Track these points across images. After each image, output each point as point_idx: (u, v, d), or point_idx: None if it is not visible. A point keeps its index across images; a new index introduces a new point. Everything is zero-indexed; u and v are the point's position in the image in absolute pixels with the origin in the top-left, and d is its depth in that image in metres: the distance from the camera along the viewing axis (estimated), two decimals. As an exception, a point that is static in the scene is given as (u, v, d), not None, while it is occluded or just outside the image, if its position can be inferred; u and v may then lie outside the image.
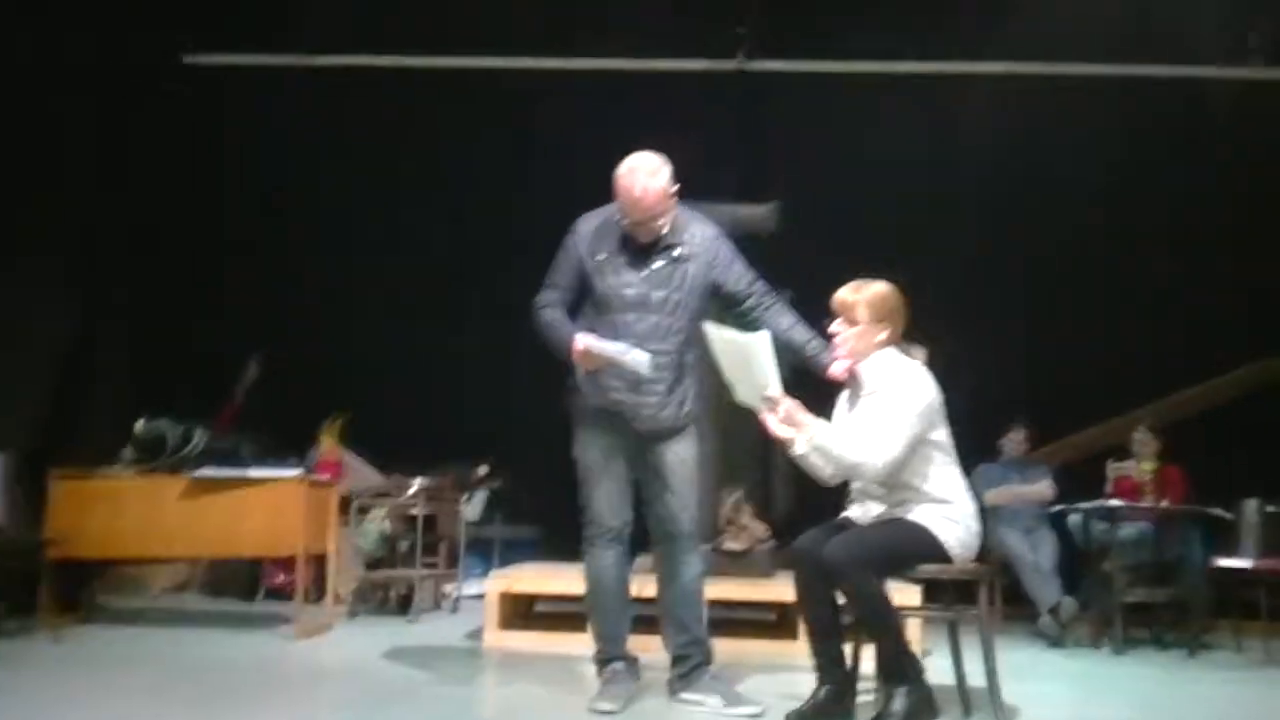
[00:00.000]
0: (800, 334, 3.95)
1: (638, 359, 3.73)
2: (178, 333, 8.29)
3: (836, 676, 3.63)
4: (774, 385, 3.60)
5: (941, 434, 3.71)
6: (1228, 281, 8.18)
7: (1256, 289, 8.10)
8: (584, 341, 3.76)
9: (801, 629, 5.18)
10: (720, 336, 3.66)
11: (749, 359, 3.60)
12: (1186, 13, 7.94)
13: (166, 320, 8.28)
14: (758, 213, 6.20)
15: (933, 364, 3.84)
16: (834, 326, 3.79)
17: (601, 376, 3.86)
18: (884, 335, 3.74)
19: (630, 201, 3.79)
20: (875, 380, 3.71)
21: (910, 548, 3.60)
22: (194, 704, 3.73)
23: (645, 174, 3.78)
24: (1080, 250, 8.33)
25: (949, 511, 3.64)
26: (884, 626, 3.51)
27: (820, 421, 3.65)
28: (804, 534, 3.71)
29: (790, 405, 3.60)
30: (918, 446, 3.62)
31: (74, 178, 7.19)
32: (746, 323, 4.00)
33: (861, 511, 3.75)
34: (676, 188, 3.86)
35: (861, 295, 3.76)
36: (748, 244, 6.11)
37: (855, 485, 3.79)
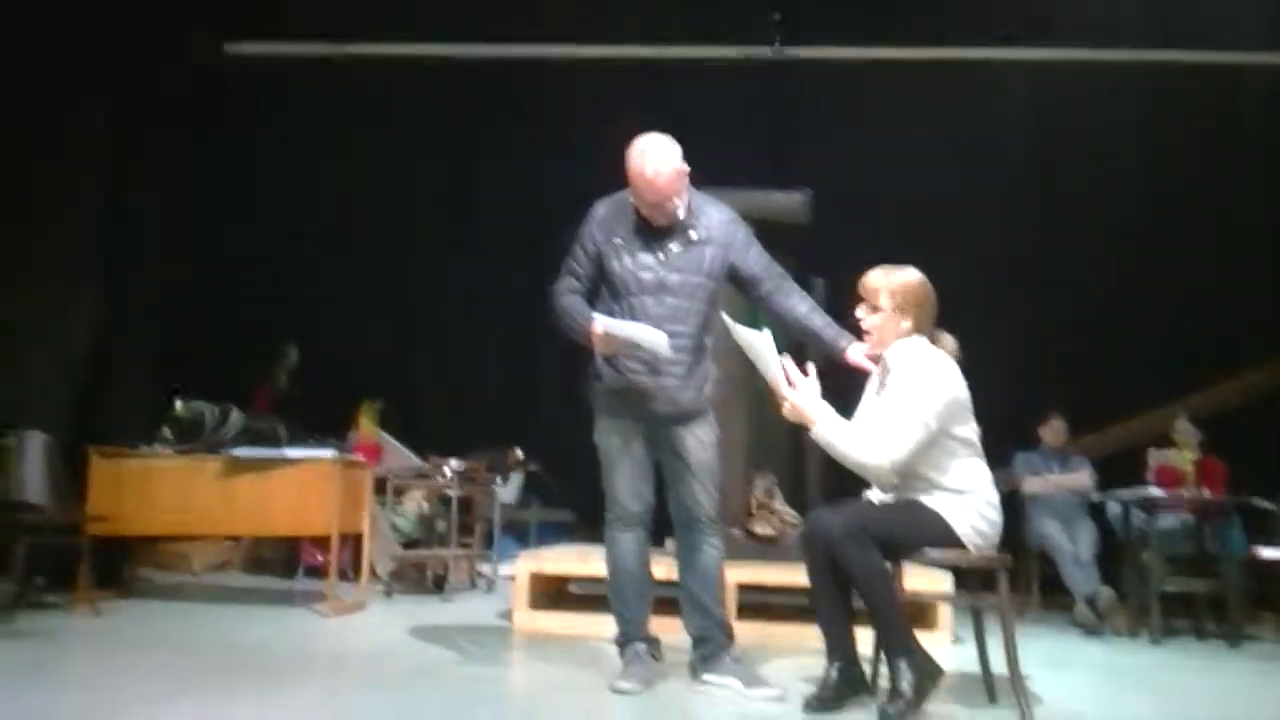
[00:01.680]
0: (817, 320, 3.94)
1: (656, 339, 3.72)
2: (207, 323, 8.40)
3: (845, 655, 3.62)
4: (780, 379, 3.59)
5: (965, 429, 3.65)
6: (1268, 270, 8.03)
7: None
8: (602, 324, 3.76)
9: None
10: (735, 330, 3.66)
11: (759, 353, 3.61)
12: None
13: (196, 311, 8.39)
14: (790, 201, 6.14)
15: (962, 353, 3.78)
16: (859, 312, 3.75)
17: (620, 360, 3.86)
18: (908, 324, 3.70)
19: (643, 183, 3.77)
20: (898, 373, 3.67)
21: (917, 530, 3.57)
22: (218, 681, 3.79)
23: (656, 154, 3.77)
24: (1121, 238, 8.22)
25: (966, 500, 3.61)
26: (879, 599, 3.50)
27: (830, 416, 3.61)
28: (816, 511, 3.70)
29: (796, 400, 3.58)
30: (939, 439, 3.58)
31: (99, 169, 7.30)
32: (763, 307, 3.99)
33: (880, 494, 3.73)
34: (688, 169, 3.84)
35: (885, 283, 3.71)
36: (779, 233, 6.11)
37: None
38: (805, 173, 6.85)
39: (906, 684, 3.42)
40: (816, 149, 8.13)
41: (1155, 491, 6.38)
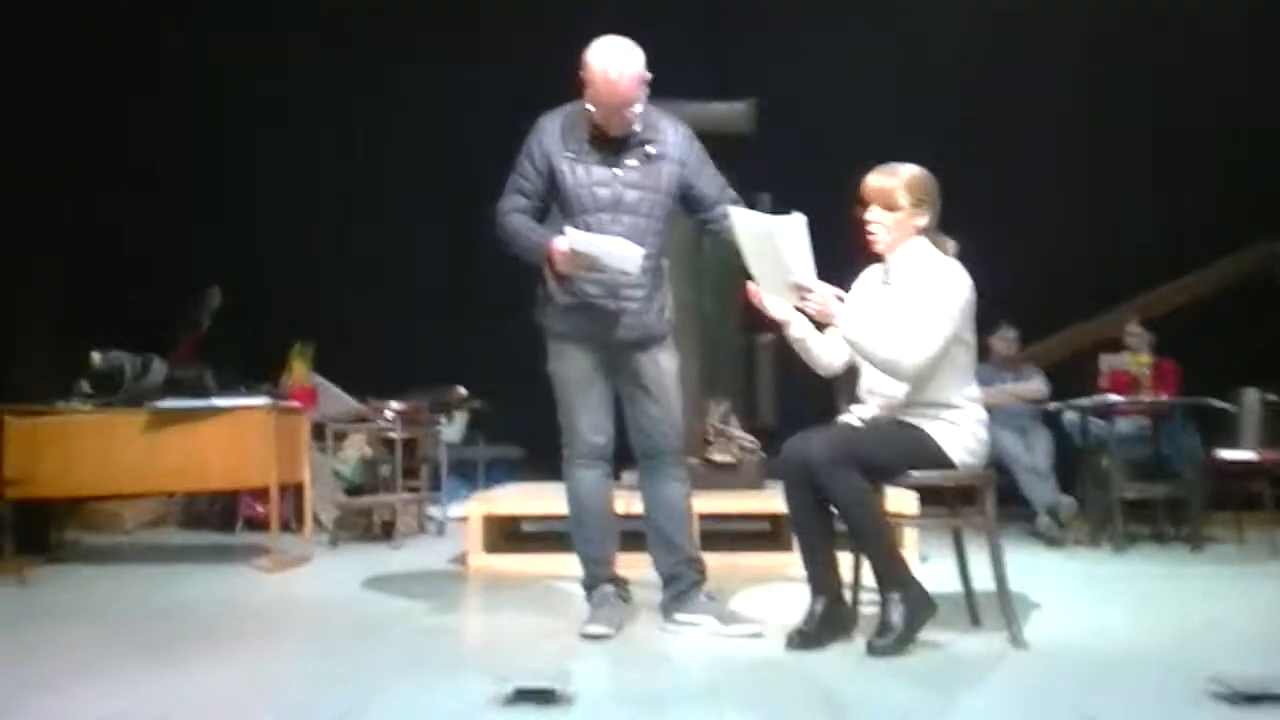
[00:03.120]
0: None
1: (627, 252, 3.45)
2: (131, 265, 7.98)
3: (830, 588, 3.45)
4: (808, 271, 3.33)
5: (970, 335, 3.50)
6: (1214, 168, 7.95)
7: (1243, 175, 7.89)
8: (570, 241, 3.48)
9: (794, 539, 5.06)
10: (746, 221, 3.41)
11: (778, 244, 3.32)
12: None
13: (116, 252, 7.95)
14: (733, 112, 5.89)
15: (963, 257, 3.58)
16: (871, 214, 3.49)
17: (576, 283, 3.61)
18: (924, 220, 3.47)
19: (605, 86, 3.50)
20: (912, 272, 3.45)
21: (906, 454, 3.40)
22: (156, 648, 3.52)
23: (619, 56, 3.51)
24: (1064, 143, 8.09)
25: (957, 418, 3.45)
26: (867, 529, 3.33)
27: (854, 312, 3.39)
28: (795, 436, 3.48)
29: (824, 293, 3.34)
30: (950, 343, 3.40)
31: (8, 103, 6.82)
32: (709, 230, 3.78)
33: (862, 416, 3.53)
34: (649, 76, 3.58)
35: (899, 178, 3.47)
36: (721, 145, 5.85)
37: (863, 386, 3.56)
38: (748, 82, 6.58)
39: (898, 616, 3.25)
40: (760, 58, 7.84)
41: (1112, 398, 6.31)
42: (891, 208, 3.47)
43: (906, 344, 3.33)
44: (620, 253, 3.47)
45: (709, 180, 3.74)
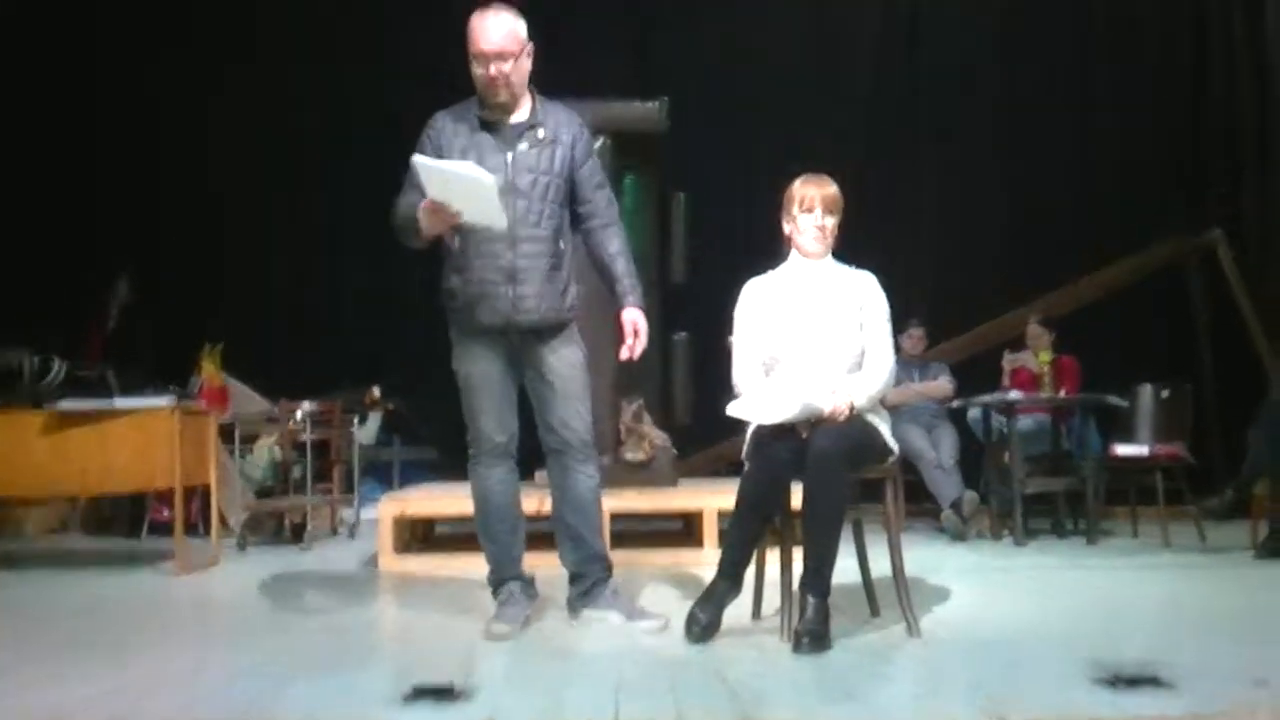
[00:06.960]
0: (620, 265, 3.76)
1: (480, 175, 3.40)
2: (36, 257, 7.80)
3: (741, 580, 3.53)
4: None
5: None
6: (1113, 171, 8.19)
7: (1139, 178, 8.13)
8: (424, 179, 3.41)
9: (710, 535, 5.12)
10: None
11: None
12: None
13: (21, 244, 7.78)
14: (647, 111, 5.94)
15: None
16: (826, 220, 3.63)
17: (474, 268, 3.62)
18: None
19: (481, 32, 3.55)
20: (848, 283, 3.65)
21: (873, 447, 3.53)
22: (64, 650, 3.47)
23: (495, 10, 3.59)
24: (969, 144, 8.25)
25: (880, 410, 3.62)
26: (837, 530, 3.38)
27: (859, 390, 3.51)
28: (767, 443, 3.46)
29: (838, 401, 3.43)
30: None
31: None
32: (578, 230, 3.79)
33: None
34: (530, 45, 3.64)
35: (836, 188, 3.66)
36: (636, 144, 5.89)
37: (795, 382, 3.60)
38: (663, 81, 6.64)
39: (821, 617, 3.29)
40: (675, 56, 7.90)
41: (1014, 395, 6.47)
42: (836, 215, 3.65)
43: (883, 369, 3.58)
44: (472, 175, 3.42)
45: (587, 173, 3.76)
